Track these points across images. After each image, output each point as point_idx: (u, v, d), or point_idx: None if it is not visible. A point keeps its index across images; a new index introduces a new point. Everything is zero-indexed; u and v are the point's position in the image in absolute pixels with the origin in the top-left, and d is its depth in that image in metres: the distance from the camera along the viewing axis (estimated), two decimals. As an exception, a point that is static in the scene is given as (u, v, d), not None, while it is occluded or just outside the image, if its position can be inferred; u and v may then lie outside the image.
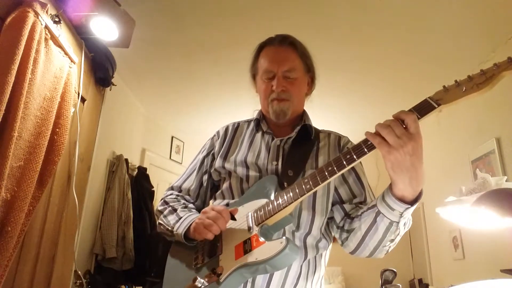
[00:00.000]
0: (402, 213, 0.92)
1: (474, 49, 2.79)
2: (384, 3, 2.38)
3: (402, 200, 0.90)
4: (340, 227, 1.12)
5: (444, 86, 0.88)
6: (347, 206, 1.14)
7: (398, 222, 0.95)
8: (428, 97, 0.88)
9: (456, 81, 0.87)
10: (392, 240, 1.01)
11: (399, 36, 2.68)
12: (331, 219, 1.18)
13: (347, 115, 4.00)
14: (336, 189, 1.16)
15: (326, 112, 3.85)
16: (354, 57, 2.95)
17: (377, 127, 0.86)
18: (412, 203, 0.90)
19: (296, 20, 2.56)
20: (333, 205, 1.16)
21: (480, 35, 2.62)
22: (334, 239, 1.21)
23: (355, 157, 0.90)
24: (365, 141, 0.90)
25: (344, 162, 0.91)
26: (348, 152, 0.92)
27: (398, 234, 0.99)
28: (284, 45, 1.22)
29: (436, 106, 0.86)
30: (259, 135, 1.26)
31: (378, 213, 0.96)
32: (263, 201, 1.06)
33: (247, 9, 2.48)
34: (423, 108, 0.87)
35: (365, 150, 0.90)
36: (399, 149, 0.83)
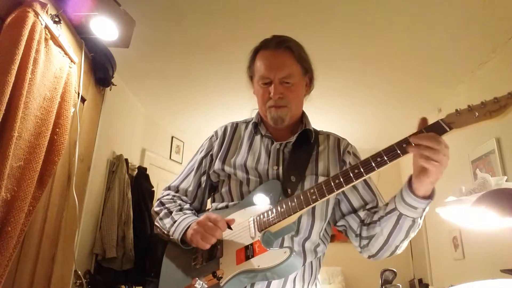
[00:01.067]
0: (425, 208, 0.98)
1: (474, 49, 2.78)
2: (384, 3, 2.38)
3: (424, 197, 0.96)
4: (358, 235, 1.13)
5: (456, 110, 0.89)
6: (361, 213, 1.14)
7: (420, 217, 1.00)
8: (440, 120, 0.90)
9: (469, 106, 0.88)
10: (413, 235, 1.05)
11: (399, 36, 2.68)
12: (343, 227, 1.18)
13: (347, 115, 4.00)
14: (346, 197, 1.16)
15: (325, 112, 3.84)
16: (353, 57, 2.94)
17: (429, 154, 0.87)
18: (430, 197, 0.96)
19: (296, 20, 2.55)
20: (346, 214, 1.16)
21: (480, 35, 2.62)
22: (334, 239, 1.22)
23: (363, 172, 0.93)
24: (374, 157, 0.92)
25: (352, 176, 0.94)
26: (356, 166, 0.94)
27: (419, 226, 1.04)
28: (280, 49, 1.17)
29: (448, 129, 0.88)
30: (258, 138, 1.25)
31: (401, 215, 1.00)
32: (266, 206, 1.06)
33: (247, 9, 2.48)
34: (435, 130, 0.89)
35: (374, 166, 0.92)
36: (445, 165, 0.89)
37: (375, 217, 1.08)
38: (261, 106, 1.23)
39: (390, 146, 0.92)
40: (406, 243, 1.07)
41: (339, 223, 1.18)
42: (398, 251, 1.09)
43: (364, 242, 1.11)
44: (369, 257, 1.12)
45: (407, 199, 0.97)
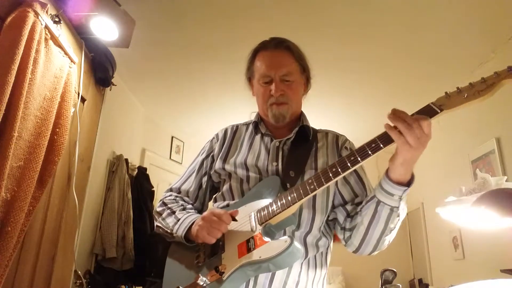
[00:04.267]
0: (401, 196, 0.98)
1: (474, 49, 2.78)
2: (383, 3, 2.38)
3: (399, 183, 0.96)
4: (343, 228, 1.15)
5: (446, 92, 0.91)
6: (349, 207, 1.15)
7: (398, 207, 1.00)
8: (431, 103, 0.92)
9: (458, 88, 0.90)
10: (392, 229, 1.05)
11: (399, 36, 2.68)
12: (334, 220, 1.20)
13: (346, 115, 4.00)
14: (339, 191, 1.18)
15: (325, 112, 3.84)
16: (353, 57, 2.94)
17: (400, 127, 0.88)
18: (407, 184, 0.97)
19: (296, 20, 2.55)
20: (336, 207, 1.18)
21: (480, 35, 2.62)
22: (335, 239, 1.22)
23: (359, 159, 0.94)
24: (369, 144, 0.94)
25: (348, 164, 0.95)
26: (352, 154, 0.95)
27: (398, 220, 1.04)
28: (279, 48, 1.22)
29: (439, 111, 0.90)
30: (258, 137, 1.27)
31: (378, 202, 1.01)
32: (266, 201, 1.07)
33: (247, 9, 2.48)
34: (426, 113, 0.90)
35: (369, 152, 0.93)
36: (418, 149, 0.88)
37: (358, 208, 1.10)
38: (262, 105, 1.25)
39: (384, 132, 0.93)
40: (388, 238, 1.07)
41: (330, 217, 1.20)
42: (382, 246, 1.09)
43: (347, 234, 1.12)
44: (354, 251, 1.13)
45: (384, 184, 0.98)
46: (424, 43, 2.73)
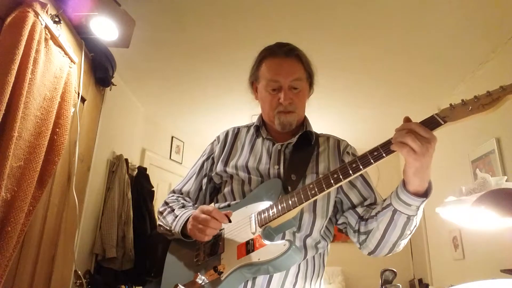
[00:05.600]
0: (419, 206, 0.97)
1: (474, 49, 2.78)
2: (384, 3, 2.38)
3: (416, 194, 0.95)
4: (356, 231, 1.14)
5: (450, 104, 0.91)
6: (359, 210, 1.15)
7: (415, 215, 0.99)
8: (435, 114, 0.91)
9: (462, 100, 0.90)
10: (409, 234, 1.05)
11: (399, 36, 2.68)
12: (344, 224, 1.20)
13: (347, 115, 3.99)
14: (346, 195, 1.18)
15: (325, 112, 3.84)
16: (354, 57, 2.94)
17: (399, 138, 0.88)
18: (425, 195, 0.95)
19: (296, 20, 2.55)
20: (345, 211, 1.18)
21: (480, 35, 2.62)
22: (332, 239, 1.23)
23: (361, 167, 0.94)
24: (371, 152, 0.94)
25: (350, 171, 0.95)
26: (354, 161, 0.96)
27: (415, 225, 1.03)
28: (290, 57, 1.21)
29: (443, 123, 0.90)
30: (259, 140, 1.28)
31: (395, 211, 1.00)
32: (267, 203, 1.08)
33: (247, 9, 2.48)
34: (430, 124, 0.90)
35: (371, 161, 0.93)
36: (424, 155, 0.87)
37: (373, 213, 1.09)
38: (268, 112, 1.24)
39: (386, 141, 0.93)
40: (404, 242, 1.07)
41: (339, 221, 1.20)
42: (397, 249, 1.09)
43: (362, 237, 1.12)
44: (369, 253, 1.13)
45: (400, 195, 0.98)
46: (425, 43, 2.73)
